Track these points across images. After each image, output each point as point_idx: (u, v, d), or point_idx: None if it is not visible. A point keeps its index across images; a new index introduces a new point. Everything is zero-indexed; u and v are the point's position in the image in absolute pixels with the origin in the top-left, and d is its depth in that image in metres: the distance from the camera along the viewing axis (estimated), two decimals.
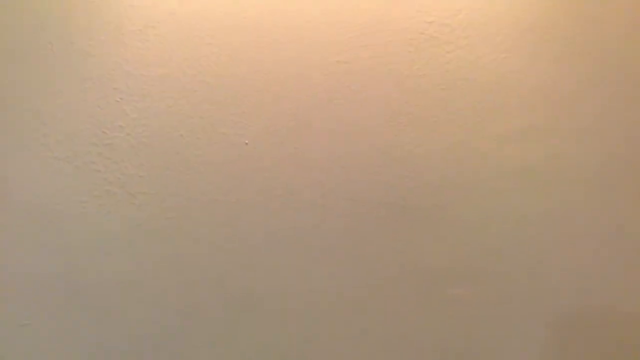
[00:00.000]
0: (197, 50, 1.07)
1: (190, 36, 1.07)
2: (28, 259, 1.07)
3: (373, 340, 1.09)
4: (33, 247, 1.07)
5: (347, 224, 1.10)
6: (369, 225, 1.10)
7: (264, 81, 1.08)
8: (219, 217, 1.09)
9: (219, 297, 1.09)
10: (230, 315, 1.09)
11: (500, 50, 1.08)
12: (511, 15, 1.08)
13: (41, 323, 1.06)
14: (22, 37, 1.07)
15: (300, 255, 1.10)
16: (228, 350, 1.07)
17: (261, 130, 1.08)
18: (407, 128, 1.09)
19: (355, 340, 1.08)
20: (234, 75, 1.08)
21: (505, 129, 1.09)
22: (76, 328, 1.07)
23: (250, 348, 1.07)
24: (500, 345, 1.08)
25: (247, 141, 1.09)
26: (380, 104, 1.09)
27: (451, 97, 1.09)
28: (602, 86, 1.09)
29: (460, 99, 1.09)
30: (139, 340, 1.07)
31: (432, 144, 1.09)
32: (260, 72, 1.08)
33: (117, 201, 1.08)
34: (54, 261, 1.08)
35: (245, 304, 1.09)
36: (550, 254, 1.10)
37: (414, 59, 1.09)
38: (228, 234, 1.09)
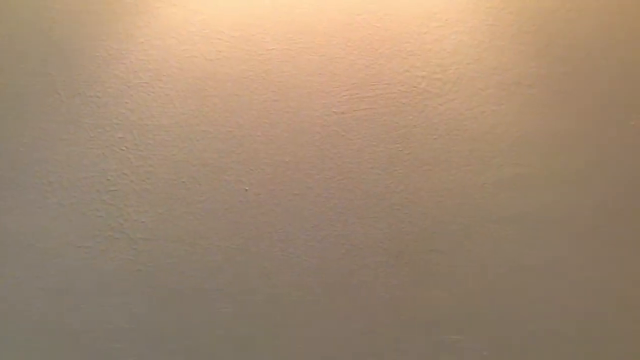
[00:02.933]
0: (200, 102, 1.12)
1: (195, 89, 1.12)
2: (28, 303, 1.08)
3: None
4: (34, 291, 1.08)
5: (345, 270, 1.11)
6: (366, 271, 1.11)
7: (263, 131, 1.12)
8: (219, 263, 1.11)
9: (219, 344, 1.09)
10: None
11: (489, 103, 1.13)
12: (499, 70, 1.13)
13: None
14: (31, 86, 1.11)
15: (299, 300, 1.11)
16: None
17: (261, 178, 1.12)
18: (402, 176, 1.13)
19: None
20: (235, 125, 1.12)
21: (497, 177, 1.13)
22: None
23: None
24: None
25: (247, 188, 1.12)
26: (375, 152, 1.13)
27: (444, 147, 1.13)
28: (591, 136, 1.13)
29: (452, 149, 1.13)
30: None
31: (426, 192, 1.13)
32: (260, 122, 1.12)
33: (119, 246, 1.10)
34: (54, 305, 1.09)
35: (245, 350, 1.09)
36: (545, 300, 1.11)
37: (408, 111, 1.14)
38: (228, 279, 1.11)
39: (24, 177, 1.10)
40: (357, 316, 1.11)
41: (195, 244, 1.10)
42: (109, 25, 1.12)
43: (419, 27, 1.14)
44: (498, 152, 1.13)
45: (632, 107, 1.13)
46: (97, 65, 1.12)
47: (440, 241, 1.12)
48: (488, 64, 1.14)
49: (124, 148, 1.11)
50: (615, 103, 1.13)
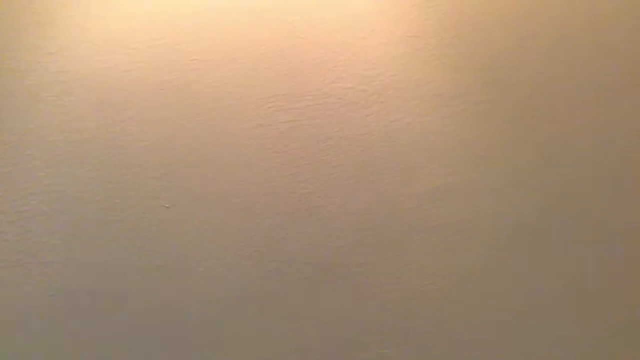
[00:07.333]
0: (113, 115, 1.07)
1: (107, 101, 1.07)
2: None
3: None
4: None
5: (273, 287, 1.08)
6: (294, 287, 1.09)
7: (182, 144, 1.08)
8: (138, 285, 1.05)
9: None
10: None
11: (414, 114, 1.14)
12: (423, 81, 1.14)
13: None
14: None
15: (226, 320, 1.07)
16: None
17: (181, 194, 1.07)
18: (330, 189, 1.11)
19: None
20: (152, 139, 1.07)
21: (424, 188, 1.13)
22: None
23: None
24: None
25: (167, 205, 1.07)
26: (302, 165, 1.11)
27: (371, 158, 1.12)
28: (513, 146, 1.15)
29: (379, 160, 1.13)
30: None
31: (354, 204, 1.11)
32: (178, 135, 1.08)
33: (29, 271, 1.03)
34: None
35: None
36: (472, 309, 1.11)
37: (334, 122, 1.12)
38: (148, 302, 1.05)
39: None
40: (286, 333, 1.08)
41: (112, 267, 1.05)
42: (17, 35, 1.05)
43: (344, 38, 1.13)
44: (424, 163, 1.13)
45: (553, 117, 1.16)
46: (4, 77, 1.05)
47: (370, 253, 1.11)
48: (412, 75, 1.14)
49: (32, 166, 1.04)
50: (536, 112, 1.16)
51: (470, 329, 1.11)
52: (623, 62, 1.17)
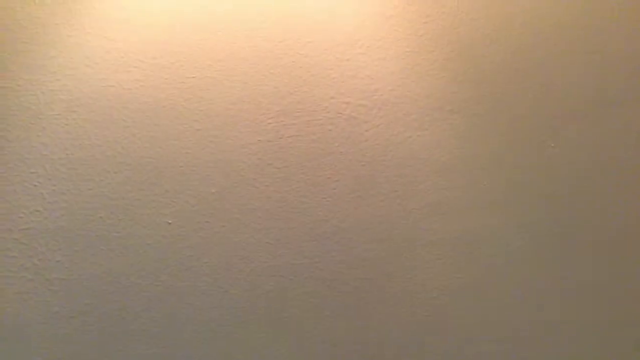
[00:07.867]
0: (117, 133, 1.08)
1: (111, 119, 1.07)
2: None
3: None
4: None
5: (276, 302, 1.09)
6: (297, 302, 1.09)
7: (185, 161, 1.09)
8: (142, 301, 1.06)
9: None
10: None
11: (413, 128, 1.15)
12: (422, 95, 1.15)
13: None
14: None
15: (229, 336, 1.07)
16: None
17: (184, 210, 1.08)
18: (330, 204, 1.12)
19: None
20: (154, 156, 1.08)
21: (424, 202, 1.13)
22: None
23: None
24: None
25: (170, 221, 1.08)
26: (302, 180, 1.12)
27: (371, 173, 1.13)
28: (512, 159, 1.16)
29: (379, 175, 1.13)
30: None
31: (356, 219, 1.12)
32: (181, 152, 1.09)
33: (34, 288, 1.03)
34: None
35: None
36: (475, 323, 1.12)
37: (334, 137, 1.13)
38: (153, 319, 1.06)
39: None
40: (288, 348, 1.08)
41: (116, 283, 1.05)
42: (17, 55, 1.06)
43: (341, 54, 1.14)
44: (424, 177, 1.14)
45: (551, 129, 1.17)
46: (5, 97, 1.06)
47: (372, 268, 1.11)
48: (411, 90, 1.15)
49: (36, 184, 1.05)
50: (535, 126, 1.17)
51: (473, 342, 1.11)
52: (622, 73, 1.18)
